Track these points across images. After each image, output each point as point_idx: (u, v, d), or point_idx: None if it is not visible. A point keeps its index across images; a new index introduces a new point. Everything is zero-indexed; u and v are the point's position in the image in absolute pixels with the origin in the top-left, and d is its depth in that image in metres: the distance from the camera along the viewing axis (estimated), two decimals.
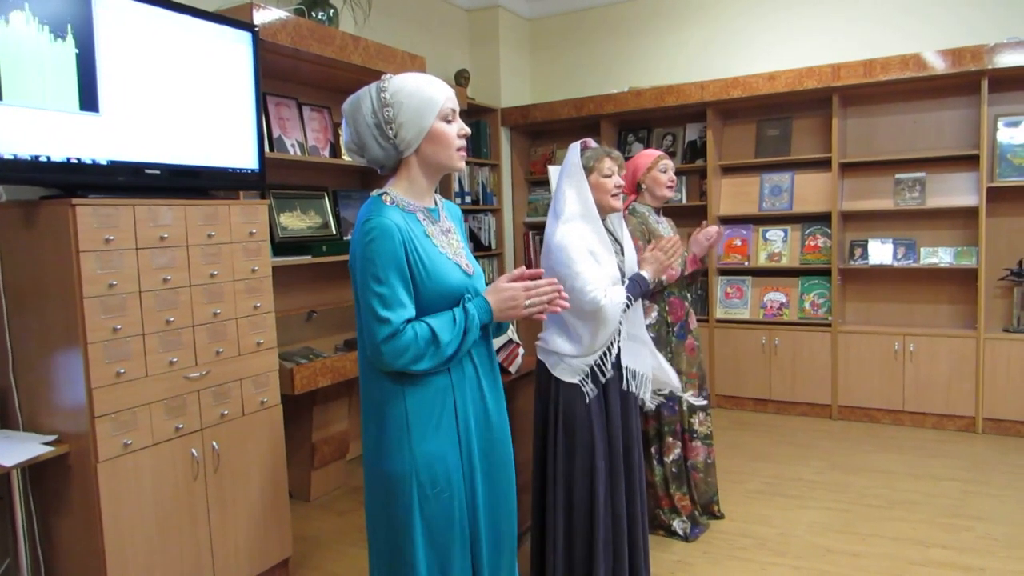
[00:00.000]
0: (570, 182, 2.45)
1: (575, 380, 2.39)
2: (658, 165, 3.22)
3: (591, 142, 2.56)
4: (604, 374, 2.40)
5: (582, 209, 2.40)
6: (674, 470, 3.17)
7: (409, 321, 1.61)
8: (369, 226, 1.61)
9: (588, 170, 2.47)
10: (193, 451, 2.52)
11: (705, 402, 3.25)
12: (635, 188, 3.29)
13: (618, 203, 2.51)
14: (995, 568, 2.86)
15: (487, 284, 1.82)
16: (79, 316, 2.19)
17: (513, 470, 1.85)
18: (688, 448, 3.23)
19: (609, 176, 2.48)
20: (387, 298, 1.59)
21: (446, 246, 1.73)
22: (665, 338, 3.14)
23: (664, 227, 3.26)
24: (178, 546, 2.48)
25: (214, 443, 2.59)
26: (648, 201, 3.26)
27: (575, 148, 2.50)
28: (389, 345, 1.59)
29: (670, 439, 3.16)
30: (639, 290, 2.46)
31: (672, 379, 2.66)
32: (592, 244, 2.37)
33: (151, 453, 2.39)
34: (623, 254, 2.56)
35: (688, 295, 3.28)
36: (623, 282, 2.47)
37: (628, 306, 2.40)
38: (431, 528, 1.66)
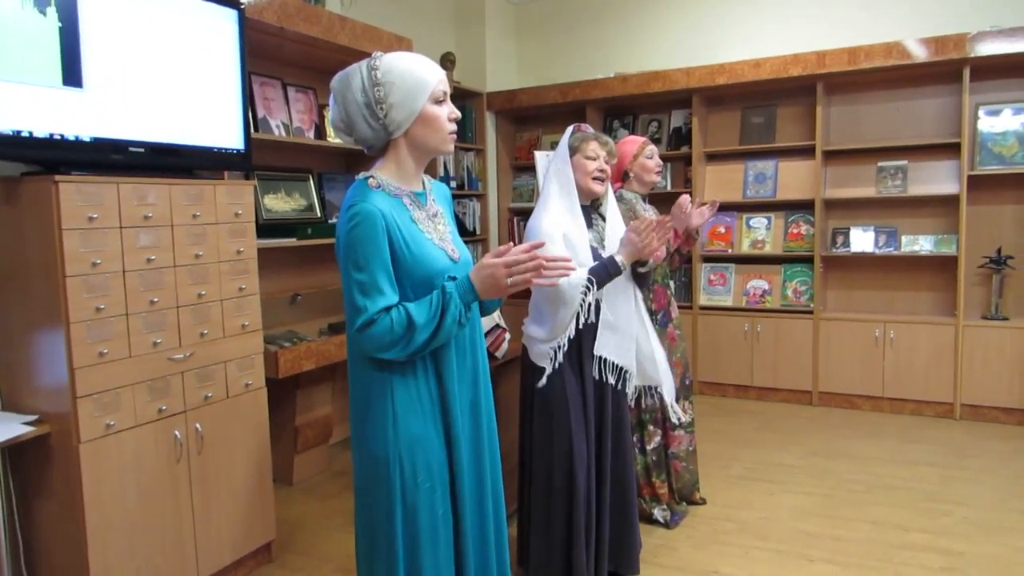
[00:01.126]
0: (556, 162, 2.46)
1: (544, 364, 2.40)
2: (644, 151, 3.22)
3: (586, 126, 2.55)
4: (555, 358, 2.38)
5: (560, 189, 2.40)
6: (654, 458, 3.18)
7: (388, 308, 1.59)
8: (353, 211, 1.59)
9: (573, 150, 2.47)
10: (176, 433, 2.49)
11: (687, 418, 3.26)
12: (622, 176, 3.29)
13: (599, 187, 2.50)
14: (974, 552, 2.91)
15: None
16: (62, 295, 2.15)
17: (499, 457, 1.85)
18: (669, 437, 3.24)
19: (593, 159, 2.47)
20: (366, 285, 1.58)
21: (432, 231, 1.71)
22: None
23: (651, 214, 3.26)
24: (160, 529, 2.46)
25: (197, 425, 2.57)
26: (636, 188, 3.26)
27: (568, 130, 2.51)
28: (365, 333, 1.58)
29: (651, 427, 3.17)
30: (606, 272, 2.36)
31: (663, 380, 2.61)
32: (567, 226, 2.36)
33: (134, 435, 2.36)
34: (604, 243, 2.54)
35: (671, 283, 3.29)
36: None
37: (588, 288, 2.33)
38: (413, 514, 1.66)
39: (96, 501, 2.25)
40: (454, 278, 1.69)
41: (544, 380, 2.40)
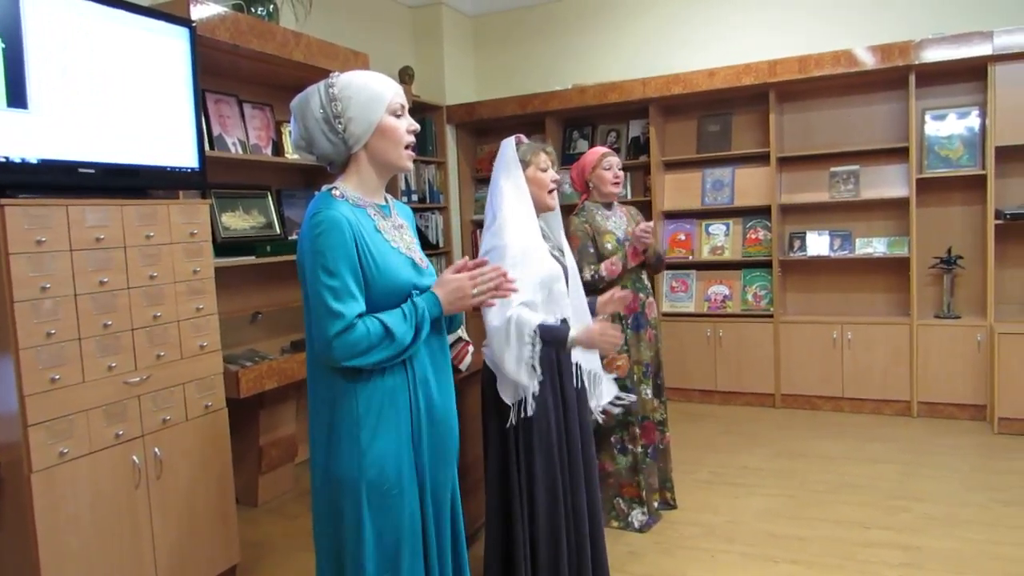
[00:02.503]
0: (507, 176, 2.42)
1: (507, 400, 2.32)
2: (602, 163, 3.25)
3: (523, 137, 2.55)
4: (526, 404, 2.31)
5: (519, 203, 2.38)
6: (637, 458, 3.19)
7: (361, 316, 1.59)
8: (318, 219, 1.59)
9: (524, 164, 2.45)
10: (134, 458, 2.44)
11: (659, 416, 3.28)
12: (584, 187, 3.32)
13: (553, 201, 2.50)
14: (932, 546, 2.96)
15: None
16: (10, 321, 2.10)
17: (456, 468, 1.85)
18: (652, 435, 3.27)
19: (545, 170, 2.47)
20: (339, 291, 1.57)
21: (398, 240, 1.72)
22: (621, 331, 3.16)
23: (618, 220, 3.28)
24: (119, 557, 2.39)
25: (156, 449, 2.52)
26: (597, 198, 3.29)
27: (509, 143, 2.48)
28: (341, 339, 1.56)
29: (636, 428, 3.19)
30: (552, 337, 2.28)
31: (602, 391, 2.63)
32: (528, 240, 2.34)
33: (89, 462, 2.30)
34: (561, 251, 2.54)
35: (646, 286, 3.30)
36: (566, 280, 2.45)
37: (533, 341, 2.24)
38: (381, 531, 1.64)
39: (50, 531, 2.19)
40: (421, 291, 1.70)
41: (513, 420, 2.32)
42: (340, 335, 1.56)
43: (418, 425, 1.69)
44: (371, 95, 1.67)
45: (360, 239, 1.61)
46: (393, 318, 1.61)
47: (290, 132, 1.77)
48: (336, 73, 1.71)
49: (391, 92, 1.69)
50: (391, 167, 1.74)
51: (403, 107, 1.72)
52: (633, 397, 2.91)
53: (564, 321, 2.38)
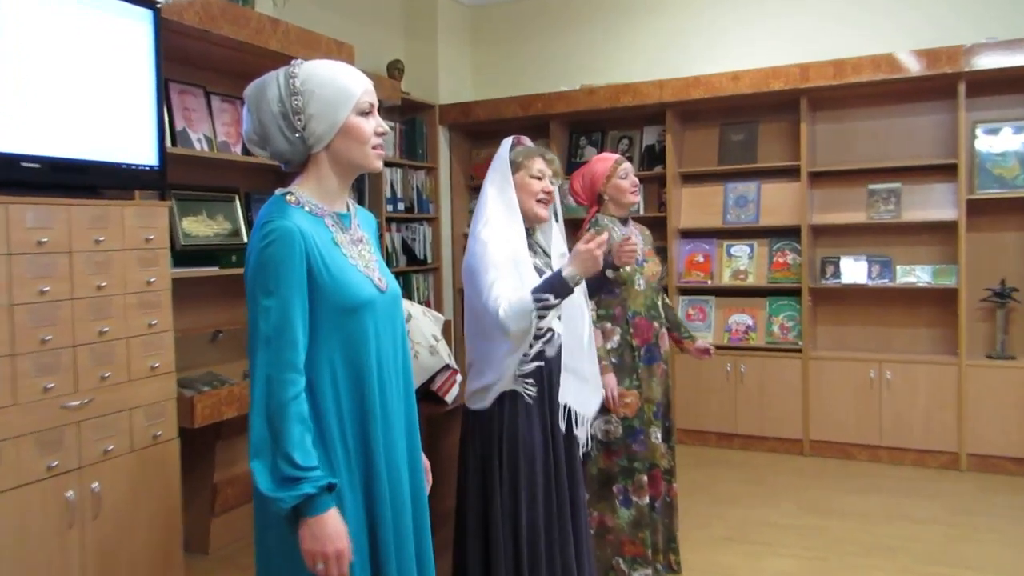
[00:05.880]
0: (493, 178, 2.44)
1: (484, 404, 2.36)
2: (618, 171, 3.25)
3: (526, 139, 2.55)
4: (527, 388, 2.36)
5: (504, 209, 2.39)
6: (643, 512, 3.15)
7: (297, 393, 1.56)
8: (268, 228, 1.59)
9: (515, 167, 2.46)
10: (69, 494, 2.41)
11: (666, 463, 3.25)
12: (596, 199, 3.31)
13: (543, 211, 2.50)
14: None
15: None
16: None
17: (428, 520, 1.83)
18: (658, 486, 3.22)
19: (538, 178, 2.47)
20: (278, 324, 1.55)
21: (356, 257, 1.72)
22: (630, 364, 3.15)
23: (635, 239, 3.26)
24: None
25: (95, 485, 2.48)
26: (612, 212, 3.29)
27: (506, 143, 2.49)
28: (265, 391, 1.55)
29: (643, 477, 3.16)
30: (551, 289, 2.21)
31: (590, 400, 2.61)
32: (516, 250, 2.34)
33: (15, 497, 2.27)
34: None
35: (660, 313, 3.30)
36: None
37: (539, 312, 2.21)
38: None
39: None
40: (380, 310, 1.69)
41: (487, 403, 2.35)
42: (265, 385, 1.55)
43: (374, 465, 1.68)
44: (337, 91, 1.66)
45: (313, 252, 1.61)
46: (304, 451, 1.55)
47: (243, 123, 1.75)
48: (299, 61, 1.70)
49: (360, 88, 1.69)
50: (356, 168, 1.74)
51: (372, 106, 1.72)
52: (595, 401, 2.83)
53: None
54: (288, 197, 1.67)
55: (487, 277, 2.27)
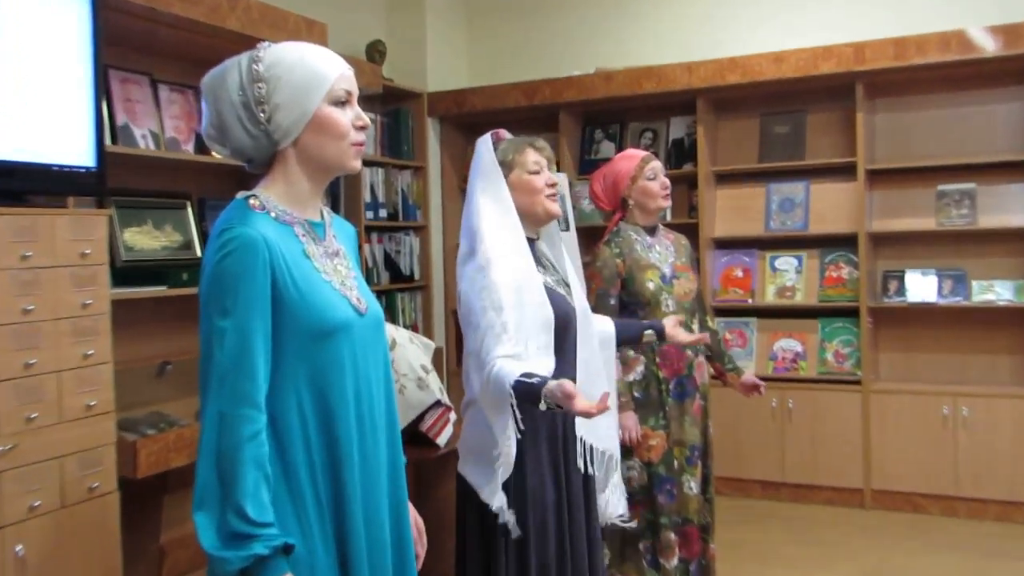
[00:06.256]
0: (483, 187, 2.44)
1: (494, 504, 2.30)
2: (645, 171, 3.26)
3: (505, 133, 2.57)
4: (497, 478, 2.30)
5: (501, 220, 2.40)
6: None
7: (257, 431, 1.56)
8: (227, 237, 1.60)
9: (506, 167, 2.47)
10: None
11: (703, 520, 3.25)
12: (620, 203, 3.32)
13: (556, 206, 2.52)
14: None
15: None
16: None
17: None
18: (692, 544, 3.21)
19: (536, 172, 2.49)
20: (233, 348, 1.56)
21: (331, 273, 1.73)
22: (657, 399, 3.16)
23: (663, 249, 3.28)
24: None
25: (18, 547, 2.48)
26: (638, 219, 3.30)
27: (484, 142, 2.50)
28: (218, 428, 1.55)
29: (670, 535, 3.15)
30: (524, 391, 2.12)
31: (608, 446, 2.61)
32: (520, 273, 2.35)
33: None
34: (567, 285, 2.56)
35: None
36: (574, 320, 2.45)
37: (512, 402, 2.16)
38: None
39: None
40: (357, 333, 1.70)
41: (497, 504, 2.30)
42: (220, 421, 1.55)
43: (347, 523, 1.68)
44: (307, 76, 1.67)
45: (279, 265, 1.62)
46: (258, 503, 1.54)
47: (202, 117, 1.76)
48: (266, 44, 1.72)
49: (335, 73, 1.70)
50: (330, 168, 1.75)
51: (350, 94, 1.73)
52: (633, 524, 2.86)
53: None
54: (251, 201, 1.68)
55: (483, 320, 2.27)
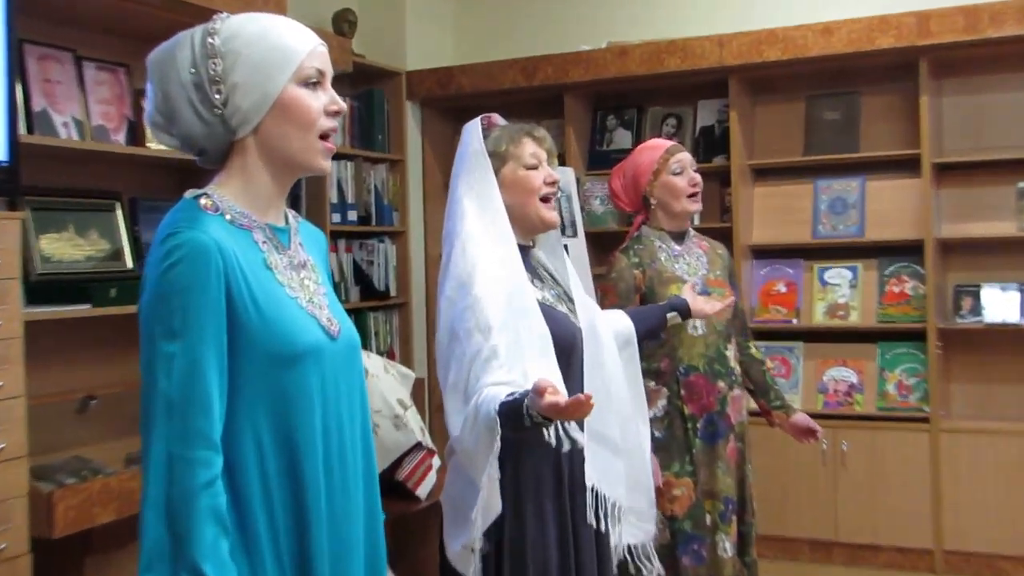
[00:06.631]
0: (469, 183, 2.47)
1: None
2: (669, 164, 3.27)
3: (498, 118, 2.57)
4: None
5: (488, 224, 2.41)
6: None
7: (212, 478, 1.55)
8: (173, 243, 1.59)
9: (498, 159, 2.48)
10: None
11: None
12: (641, 203, 3.32)
13: (552, 213, 2.52)
14: None
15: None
16: None
17: None
18: None
19: (534, 167, 2.49)
20: (182, 377, 1.54)
21: (297, 288, 1.74)
22: (682, 440, 3.16)
23: (693, 259, 3.28)
24: None
25: None
26: (662, 223, 3.30)
27: (472, 128, 2.52)
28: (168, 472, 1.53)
29: None
30: (509, 409, 2.10)
31: (645, 517, 2.64)
32: (510, 286, 2.35)
33: None
34: (571, 300, 2.56)
35: (731, 368, 3.28)
36: (579, 343, 2.46)
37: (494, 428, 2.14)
38: None
39: None
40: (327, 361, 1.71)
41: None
42: (176, 474, 1.53)
43: None
44: (271, 50, 1.68)
45: (236, 277, 1.61)
46: (217, 553, 1.54)
47: (145, 100, 1.76)
48: (223, 15, 1.72)
49: (304, 48, 1.71)
50: (295, 165, 1.76)
51: (321, 73, 1.74)
52: (659, 572, 2.86)
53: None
54: (202, 200, 1.68)
55: (468, 345, 2.26)
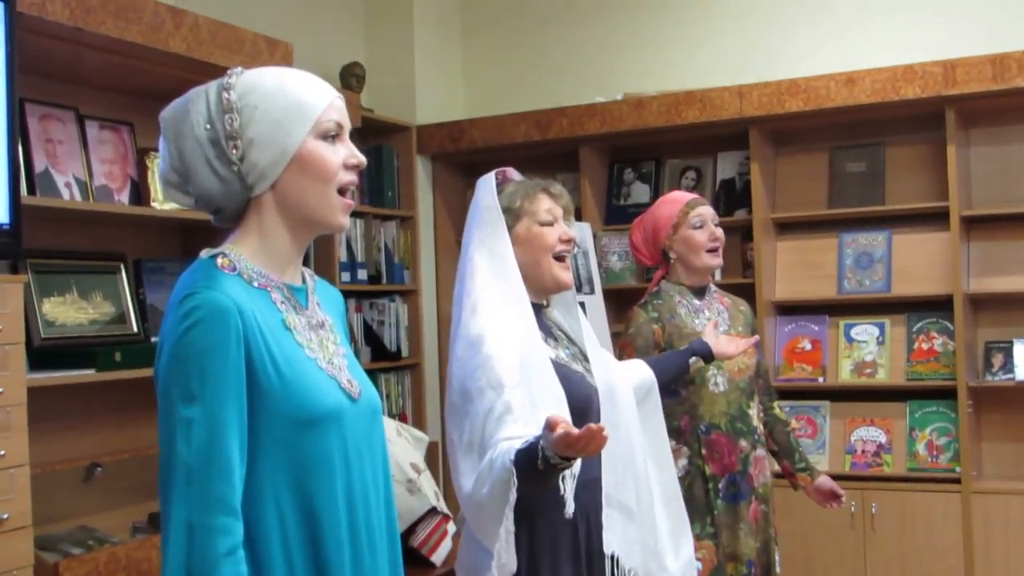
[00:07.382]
0: (481, 239, 2.47)
1: None
2: (690, 217, 3.29)
3: (514, 172, 2.59)
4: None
5: (500, 283, 2.41)
6: None
7: (233, 547, 1.56)
8: (192, 305, 1.60)
9: (512, 216, 2.50)
10: None
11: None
12: (660, 257, 3.34)
13: (567, 274, 2.53)
14: None
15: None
16: None
17: None
18: None
19: (549, 224, 2.50)
20: (202, 442, 1.55)
21: (316, 348, 1.75)
22: (703, 501, 3.15)
23: (715, 315, 3.28)
24: None
25: None
26: (682, 278, 3.32)
27: (487, 182, 2.53)
28: (187, 541, 1.54)
29: None
30: (529, 465, 2.06)
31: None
32: (522, 347, 2.35)
33: None
34: (587, 359, 2.57)
35: (754, 427, 3.29)
36: (595, 403, 2.46)
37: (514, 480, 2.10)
38: None
39: None
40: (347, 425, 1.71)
41: None
42: (197, 543, 1.54)
43: None
44: (289, 104, 1.70)
45: (255, 339, 1.62)
46: None
47: (158, 158, 1.79)
48: (237, 70, 1.74)
49: (323, 102, 1.73)
50: (313, 222, 1.77)
51: (341, 127, 1.75)
52: None
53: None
54: (219, 260, 1.69)
55: (481, 403, 2.25)
